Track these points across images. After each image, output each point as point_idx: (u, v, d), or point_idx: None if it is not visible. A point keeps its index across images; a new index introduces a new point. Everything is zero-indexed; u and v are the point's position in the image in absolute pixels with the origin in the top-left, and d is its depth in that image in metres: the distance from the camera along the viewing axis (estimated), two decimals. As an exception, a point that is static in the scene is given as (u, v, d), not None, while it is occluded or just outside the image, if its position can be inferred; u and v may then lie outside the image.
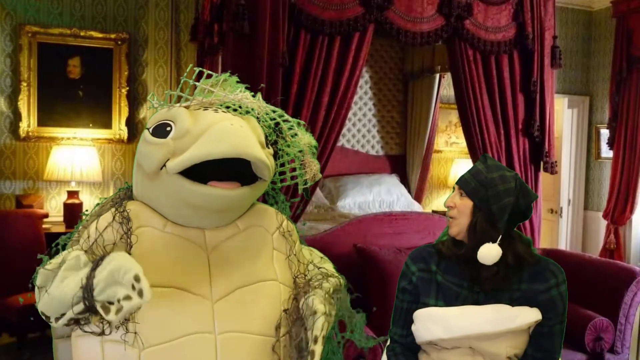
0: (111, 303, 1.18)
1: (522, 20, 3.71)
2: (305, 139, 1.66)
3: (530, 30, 3.72)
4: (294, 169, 1.72)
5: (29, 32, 4.49)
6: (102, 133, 4.74)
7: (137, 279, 1.16)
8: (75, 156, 4.36)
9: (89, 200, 4.60)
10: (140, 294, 1.15)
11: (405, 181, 5.74)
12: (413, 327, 1.72)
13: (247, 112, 1.53)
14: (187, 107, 1.46)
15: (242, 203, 1.49)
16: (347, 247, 3.32)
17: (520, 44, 3.74)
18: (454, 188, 1.73)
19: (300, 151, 1.66)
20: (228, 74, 1.57)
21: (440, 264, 1.72)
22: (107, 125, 4.76)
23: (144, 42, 4.85)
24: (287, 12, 3.11)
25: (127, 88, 4.78)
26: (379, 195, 5.22)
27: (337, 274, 1.64)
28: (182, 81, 1.53)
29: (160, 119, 1.43)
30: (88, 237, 1.38)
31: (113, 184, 4.77)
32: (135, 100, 4.85)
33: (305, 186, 1.70)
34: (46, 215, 4.27)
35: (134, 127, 4.84)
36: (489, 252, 1.59)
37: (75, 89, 4.66)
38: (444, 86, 5.74)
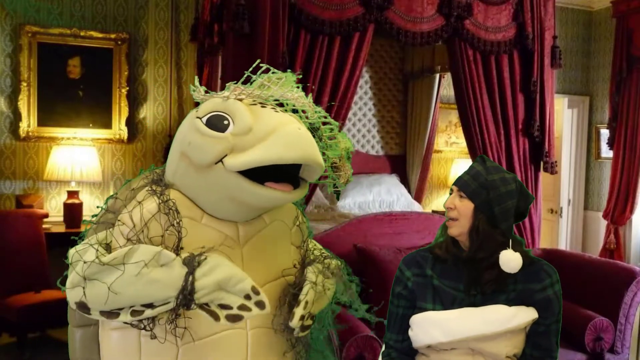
0: (207, 305, 1.24)
1: (522, 20, 3.71)
2: (343, 143, 1.64)
3: (530, 30, 3.72)
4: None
5: (29, 32, 4.49)
6: (102, 133, 4.74)
7: (255, 290, 1.24)
8: (75, 156, 4.36)
9: (89, 200, 4.61)
10: (261, 305, 1.24)
11: (405, 181, 5.74)
12: (411, 333, 1.71)
13: (295, 112, 1.50)
14: (240, 101, 1.41)
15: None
16: (347, 247, 3.32)
17: (520, 44, 3.74)
18: (451, 190, 1.72)
19: (338, 155, 1.64)
20: (289, 71, 1.52)
21: (435, 267, 1.71)
22: (107, 125, 4.76)
23: (144, 42, 4.85)
24: (287, 12, 3.12)
25: (127, 88, 4.78)
26: (379, 195, 5.22)
27: (336, 258, 1.66)
28: (254, 79, 1.46)
29: (215, 110, 1.36)
30: (134, 225, 1.33)
31: (113, 184, 4.77)
32: (135, 100, 4.85)
33: (337, 189, 1.68)
34: (46, 215, 4.27)
35: (134, 127, 4.84)
36: (510, 260, 1.60)
37: (75, 89, 4.66)
38: (444, 86, 5.74)
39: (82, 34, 4.63)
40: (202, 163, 1.34)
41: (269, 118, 1.34)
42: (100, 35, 4.68)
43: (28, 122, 4.53)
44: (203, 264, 1.25)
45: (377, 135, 5.84)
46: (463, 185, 1.66)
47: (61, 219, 4.42)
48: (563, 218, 5.99)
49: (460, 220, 1.65)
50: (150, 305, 1.25)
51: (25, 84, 4.49)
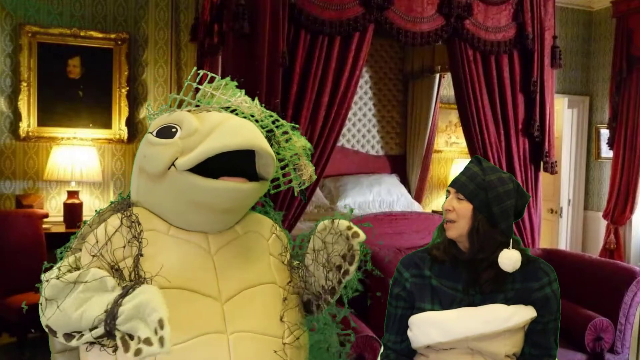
0: (131, 337, 1.17)
1: (522, 20, 3.71)
2: (300, 142, 1.67)
3: (530, 30, 3.72)
4: (286, 174, 1.73)
5: (29, 32, 4.49)
6: (102, 133, 4.74)
7: (161, 324, 1.15)
8: (75, 156, 4.36)
9: (89, 200, 4.61)
10: (161, 342, 1.15)
11: (405, 181, 5.74)
12: (410, 333, 1.71)
13: (244, 117, 1.54)
14: (188, 112, 1.48)
15: (249, 201, 1.50)
16: (347, 247, 3.31)
17: (520, 44, 3.74)
18: (447, 191, 1.72)
19: (295, 154, 1.66)
20: (228, 78, 1.58)
21: (434, 268, 1.72)
22: (107, 125, 4.76)
23: (144, 42, 4.85)
24: (287, 12, 3.11)
25: (127, 88, 4.78)
26: (379, 195, 5.22)
27: None
28: (185, 84, 1.55)
29: (163, 123, 1.45)
30: (97, 241, 1.37)
31: (113, 184, 4.77)
32: (135, 100, 4.85)
33: (302, 187, 1.70)
34: (46, 215, 4.27)
35: (134, 127, 4.85)
36: (510, 258, 1.60)
37: (75, 89, 4.66)
38: (444, 86, 5.74)
39: (82, 34, 4.63)
40: (157, 171, 1.39)
41: (213, 117, 1.41)
42: (100, 35, 4.68)
43: (28, 122, 4.53)
44: (134, 291, 1.22)
45: (377, 135, 5.83)
46: (461, 186, 1.66)
47: (61, 219, 4.42)
48: (563, 218, 5.99)
49: (458, 222, 1.65)
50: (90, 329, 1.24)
51: (25, 84, 4.49)
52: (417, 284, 1.71)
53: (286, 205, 3.19)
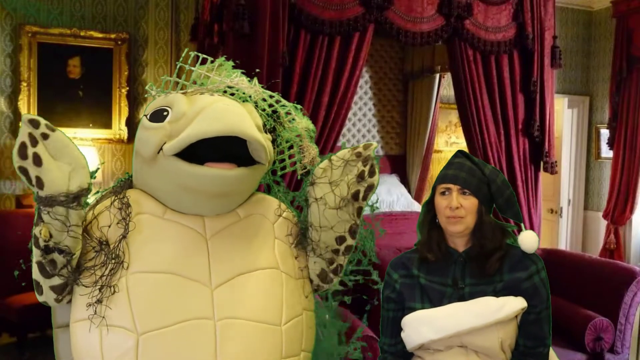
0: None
1: (522, 20, 3.71)
2: (302, 123, 1.65)
3: (530, 30, 3.72)
4: (292, 155, 1.71)
5: (29, 32, 4.49)
6: (102, 133, 4.74)
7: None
8: (75, 156, 4.36)
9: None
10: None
11: (405, 181, 5.74)
12: (403, 334, 1.71)
13: (244, 100, 1.53)
14: (184, 94, 1.48)
15: (240, 186, 1.46)
16: (347, 247, 3.31)
17: (520, 44, 3.74)
18: (436, 189, 1.71)
19: (297, 135, 1.65)
20: (223, 58, 1.57)
21: (422, 267, 1.72)
22: (107, 125, 4.76)
23: (144, 42, 4.86)
24: (287, 12, 3.12)
25: (127, 88, 4.78)
26: (379, 195, 5.22)
27: None
28: (177, 66, 1.56)
29: (157, 106, 1.46)
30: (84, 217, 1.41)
31: (113, 183, 4.77)
32: (135, 100, 4.85)
33: (304, 170, 1.69)
34: (46, 215, 4.27)
35: (134, 127, 4.84)
36: (531, 238, 1.65)
37: (75, 89, 4.67)
38: (444, 86, 5.75)
39: (82, 34, 4.63)
40: (148, 155, 1.41)
41: (201, 101, 1.40)
42: (100, 35, 4.68)
43: (28, 122, 4.52)
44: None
45: (377, 135, 5.84)
46: (464, 183, 1.66)
47: (61, 219, 4.42)
48: (563, 218, 5.99)
49: (466, 218, 1.65)
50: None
51: (25, 84, 4.49)
52: (406, 284, 1.72)
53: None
